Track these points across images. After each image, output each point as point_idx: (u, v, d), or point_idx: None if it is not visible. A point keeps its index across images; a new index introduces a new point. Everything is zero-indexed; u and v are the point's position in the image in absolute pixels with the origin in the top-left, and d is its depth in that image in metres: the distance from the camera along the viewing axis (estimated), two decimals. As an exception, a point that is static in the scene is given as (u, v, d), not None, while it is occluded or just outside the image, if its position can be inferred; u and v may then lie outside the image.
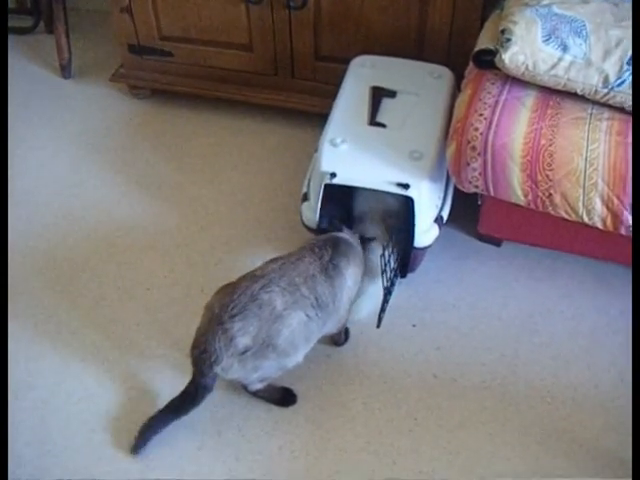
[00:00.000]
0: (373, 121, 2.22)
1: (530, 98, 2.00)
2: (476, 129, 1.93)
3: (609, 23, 1.99)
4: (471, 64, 2.18)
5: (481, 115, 1.95)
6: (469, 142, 1.93)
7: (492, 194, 2.00)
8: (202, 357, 1.78)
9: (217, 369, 1.79)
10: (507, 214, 2.17)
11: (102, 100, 2.98)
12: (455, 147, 1.96)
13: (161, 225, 2.49)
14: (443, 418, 1.98)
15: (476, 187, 1.99)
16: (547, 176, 1.87)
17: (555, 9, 2.01)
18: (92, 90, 3.02)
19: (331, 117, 2.25)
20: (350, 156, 2.12)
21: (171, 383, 1.94)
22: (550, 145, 1.87)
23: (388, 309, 2.13)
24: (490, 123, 1.93)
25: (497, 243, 2.40)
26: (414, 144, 2.14)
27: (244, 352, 1.78)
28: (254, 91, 2.76)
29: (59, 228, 2.47)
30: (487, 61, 2.08)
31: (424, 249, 2.18)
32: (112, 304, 2.26)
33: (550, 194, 1.89)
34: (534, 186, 1.90)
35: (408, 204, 2.08)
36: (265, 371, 1.87)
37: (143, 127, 2.87)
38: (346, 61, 2.43)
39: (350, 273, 1.98)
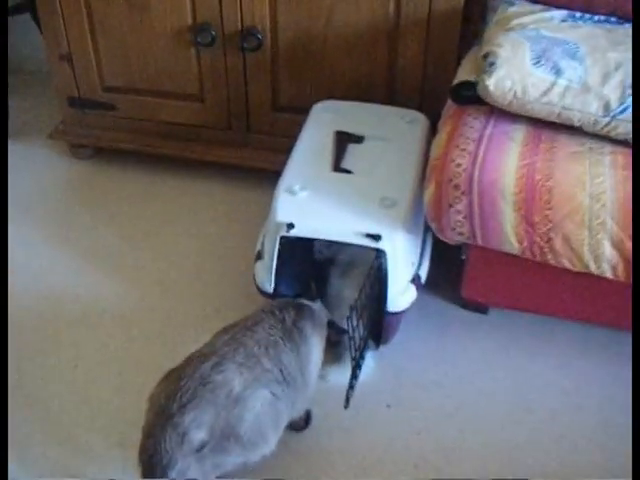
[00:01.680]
0: (338, 167, 1.93)
1: (519, 132, 1.73)
2: (458, 165, 1.64)
3: (605, 47, 1.74)
4: (449, 101, 1.91)
5: (463, 150, 1.67)
6: (451, 180, 1.63)
7: (480, 242, 1.68)
8: (152, 462, 1.43)
9: (172, 474, 1.43)
10: (496, 271, 1.87)
11: (40, 161, 2.69)
12: (434, 188, 1.67)
13: (96, 295, 2.16)
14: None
15: (461, 234, 1.68)
16: (546, 216, 1.57)
17: (544, 32, 1.77)
18: (29, 151, 2.73)
19: (288, 164, 1.95)
20: (310, 205, 1.82)
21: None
22: (547, 180, 1.58)
23: (356, 387, 1.79)
24: (475, 158, 1.64)
25: (483, 310, 2.08)
26: (385, 191, 1.84)
27: (201, 448, 1.44)
28: (206, 148, 2.47)
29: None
30: (467, 96, 1.82)
31: (399, 314, 1.85)
32: (36, 384, 1.90)
33: (550, 238, 1.59)
34: (530, 229, 1.59)
35: (379, 259, 1.76)
36: (227, 468, 1.53)
37: (83, 189, 2.57)
38: (307, 111, 2.16)
39: (316, 342, 1.68)
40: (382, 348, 1.97)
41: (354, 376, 1.78)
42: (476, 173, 1.61)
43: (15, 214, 2.43)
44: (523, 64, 1.68)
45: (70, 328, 2.06)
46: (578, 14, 1.90)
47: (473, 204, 1.62)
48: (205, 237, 2.35)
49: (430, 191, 1.68)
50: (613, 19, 1.91)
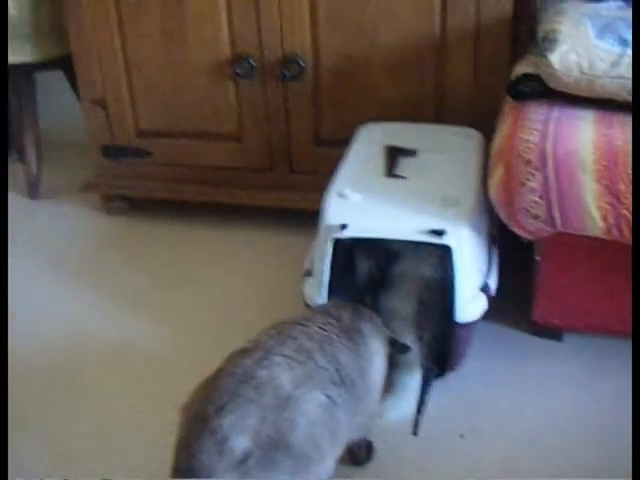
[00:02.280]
0: (391, 173, 1.78)
1: (588, 115, 1.59)
2: (528, 141, 1.49)
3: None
4: (506, 101, 1.79)
5: (531, 129, 1.52)
6: (521, 156, 1.47)
7: (559, 225, 1.50)
8: None
9: None
10: (573, 280, 1.67)
11: (73, 219, 2.57)
12: (503, 168, 1.51)
13: (131, 338, 1.99)
14: None
15: (536, 217, 1.50)
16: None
17: (603, 12, 1.66)
18: (62, 209, 2.62)
19: (337, 173, 1.81)
20: (364, 207, 1.66)
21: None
22: (629, 145, 1.41)
23: (427, 419, 1.59)
24: (545, 133, 1.50)
25: (558, 336, 1.86)
26: (445, 192, 1.69)
27: (245, 459, 1.18)
28: (246, 192, 2.35)
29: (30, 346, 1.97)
30: (526, 92, 1.70)
31: (469, 326, 1.64)
32: (60, 425, 1.71)
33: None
34: (615, 201, 1.42)
35: (445, 266, 1.58)
36: None
37: (117, 242, 2.44)
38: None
39: (377, 347, 1.46)
40: (449, 376, 1.75)
41: (423, 399, 1.56)
42: (549, 146, 1.46)
43: (47, 268, 2.30)
44: (587, 37, 1.56)
45: (98, 370, 1.88)
46: (635, 3, 1.79)
47: (548, 179, 1.45)
48: (244, 281, 2.18)
49: (498, 173, 1.52)
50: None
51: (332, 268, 1.62)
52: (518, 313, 1.92)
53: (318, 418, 1.26)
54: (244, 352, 1.32)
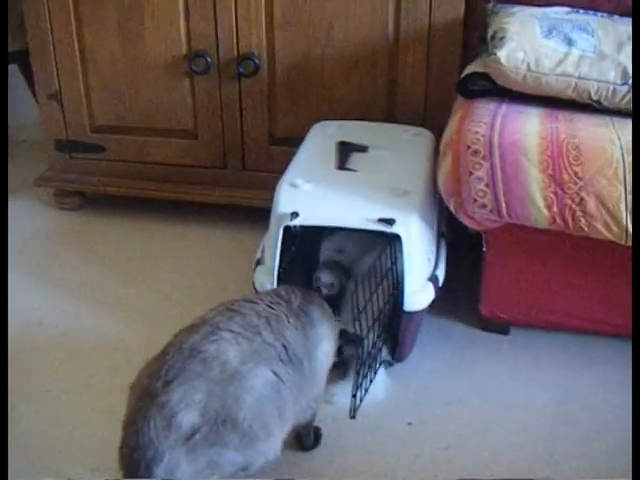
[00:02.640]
0: (343, 167, 1.81)
1: (535, 110, 1.64)
2: (476, 132, 1.54)
3: (613, 25, 1.69)
4: (457, 99, 1.83)
5: (480, 122, 1.57)
6: (469, 147, 1.52)
7: (505, 214, 1.54)
8: (135, 457, 1.18)
9: (159, 471, 1.17)
10: (518, 273, 1.72)
11: (26, 214, 2.55)
12: (451, 159, 1.55)
13: (79, 327, 1.98)
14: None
15: (483, 207, 1.54)
16: (575, 173, 1.45)
17: (551, 15, 1.71)
18: (14, 205, 2.58)
19: (289, 167, 1.83)
20: (315, 196, 1.69)
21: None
22: (573, 138, 1.47)
23: (370, 406, 1.61)
24: (492, 125, 1.55)
25: (505, 330, 1.90)
26: (395, 183, 1.72)
27: (192, 435, 1.19)
28: (199, 189, 2.36)
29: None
30: (475, 90, 1.75)
31: (417, 315, 1.67)
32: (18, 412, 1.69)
33: (581, 199, 1.45)
34: (559, 190, 1.46)
35: (392, 253, 1.61)
36: (224, 469, 1.26)
37: (71, 236, 2.42)
38: (305, 143, 2.06)
39: (325, 332, 1.47)
40: (399, 366, 1.79)
41: (361, 382, 1.58)
42: (495, 137, 1.51)
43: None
44: (534, 36, 1.62)
45: (50, 356, 1.87)
46: (581, 10, 1.86)
47: (495, 168, 1.49)
48: (196, 275, 2.19)
49: (447, 163, 1.56)
50: (616, 16, 1.87)
51: (282, 256, 1.63)
52: (466, 308, 1.96)
53: (265, 395, 1.27)
54: (191, 328, 1.32)
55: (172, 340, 1.31)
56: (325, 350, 1.46)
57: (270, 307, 1.39)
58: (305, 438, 1.55)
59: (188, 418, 1.19)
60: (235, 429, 1.23)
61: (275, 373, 1.30)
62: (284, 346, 1.34)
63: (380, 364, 1.69)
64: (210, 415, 1.21)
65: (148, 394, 1.22)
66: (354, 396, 1.56)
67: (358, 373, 1.56)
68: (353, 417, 1.57)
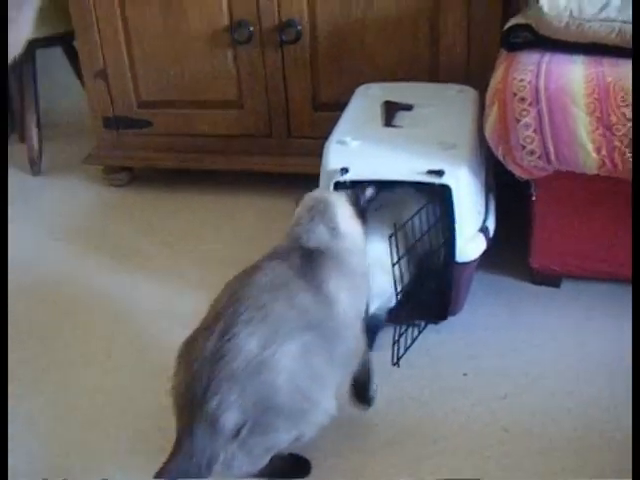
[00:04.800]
0: (389, 124, 1.82)
1: (579, 58, 1.62)
2: (522, 80, 1.54)
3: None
4: (500, 52, 1.83)
5: (525, 69, 1.57)
6: (515, 94, 1.52)
7: (553, 160, 1.54)
8: (194, 462, 1.23)
9: (217, 467, 1.24)
10: (569, 222, 1.71)
11: (75, 192, 2.61)
12: (497, 107, 1.56)
13: (134, 295, 2.04)
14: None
15: (531, 153, 1.55)
16: (623, 114, 1.44)
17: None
18: (64, 183, 2.66)
19: (336, 127, 1.85)
20: (364, 151, 1.71)
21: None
22: (620, 80, 1.46)
23: (425, 358, 1.63)
24: (538, 72, 1.55)
25: (556, 282, 1.89)
26: (443, 137, 1.73)
27: (238, 431, 1.23)
28: (245, 158, 2.38)
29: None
30: (519, 43, 1.74)
31: (468, 266, 1.68)
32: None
33: (631, 140, 1.44)
34: (608, 132, 1.46)
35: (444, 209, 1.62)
36: (283, 446, 1.32)
37: (121, 212, 2.48)
38: (349, 107, 2.07)
39: (338, 285, 1.38)
40: (452, 320, 1.80)
41: (404, 330, 1.60)
42: (541, 83, 1.51)
43: (51, 237, 2.35)
44: (576, -19, 1.60)
45: (109, 323, 1.93)
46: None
47: (542, 114, 1.50)
48: (245, 243, 2.21)
49: (494, 112, 1.56)
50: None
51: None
52: (516, 262, 1.95)
53: (296, 370, 1.26)
54: (206, 330, 1.29)
55: (192, 347, 1.29)
56: (345, 302, 1.38)
57: (272, 277, 1.33)
58: (360, 392, 1.52)
59: (230, 418, 1.22)
60: (278, 414, 1.25)
61: (299, 345, 1.27)
62: (298, 314, 1.30)
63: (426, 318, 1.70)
64: (249, 409, 1.22)
65: (189, 408, 1.24)
66: (396, 342, 1.58)
67: (398, 321, 1.58)
68: (396, 364, 1.58)
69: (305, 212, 1.48)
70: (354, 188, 1.56)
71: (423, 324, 1.70)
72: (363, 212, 1.55)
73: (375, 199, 1.62)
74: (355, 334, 1.42)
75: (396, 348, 1.59)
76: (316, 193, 1.54)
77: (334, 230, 1.44)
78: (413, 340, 1.65)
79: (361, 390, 1.52)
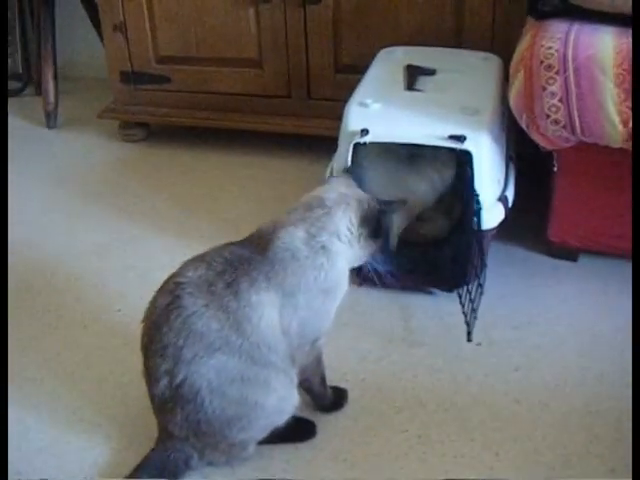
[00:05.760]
0: (411, 87, 1.79)
1: (608, 28, 1.58)
2: (550, 47, 1.50)
3: None
4: (527, 21, 1.79)
5: (553, 37, 1.53)
6: (542, 62, 1.48)
7: (578, 131, 1.51)
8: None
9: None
10: (589, 196, 1.69)
11: (90, 146, 2.59)
12: (523, 74, 1.52)
13: (149, 252, 2.03)
14: (538, 451, 1.41)
15: (556, 123, 1.51)
16: (654, 87, 1.40)
17: None
18: (79, 137, 2.64)
19: (357, 88, 1.82)
20: (385, 114, 1.69)
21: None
22: (651, 50, 1.42)
23: (438, 327, 1.65)
24: (566, 41, 1.51)
25: (573, 256, 1.87)
26: (465, 102, 1.70)
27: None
28: (263, 118, 2.36)
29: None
30: (547, 11, 1.70)
31: (487, 233, 1.66)
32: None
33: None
34: (636, 105, 1.42)
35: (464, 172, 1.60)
36: (250, 440, 1.36)
37: (136, 168, 2.45)
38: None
39: (260, 301, 1.28)
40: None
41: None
42: (570, 51, 1.48)
43: (64, 191, 2.33)
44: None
45: (123, 277, 1.93)
46: None
47: (569, 83, 1.46)
48: (259, 202, 2.20)
49: (519, 80, 1.53)
50: None
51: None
52: (534, 235, 1.93)
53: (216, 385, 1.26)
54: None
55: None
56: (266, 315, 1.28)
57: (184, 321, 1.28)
58: (319, 396, 1.46)
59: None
60: (225, 437, 1.31)
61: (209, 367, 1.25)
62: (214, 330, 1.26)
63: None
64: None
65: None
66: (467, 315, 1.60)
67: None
68: (469, 339, 1.60)
69: (300, 211, 1.38)
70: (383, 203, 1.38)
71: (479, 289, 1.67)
72: (376, 224, 1.36)
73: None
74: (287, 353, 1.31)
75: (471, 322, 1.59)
76: (330, 193, 1.37)
77: (315, 242, 1.31)
78: (474, 310, 1.64)
79: (315, 399, 1.47)
